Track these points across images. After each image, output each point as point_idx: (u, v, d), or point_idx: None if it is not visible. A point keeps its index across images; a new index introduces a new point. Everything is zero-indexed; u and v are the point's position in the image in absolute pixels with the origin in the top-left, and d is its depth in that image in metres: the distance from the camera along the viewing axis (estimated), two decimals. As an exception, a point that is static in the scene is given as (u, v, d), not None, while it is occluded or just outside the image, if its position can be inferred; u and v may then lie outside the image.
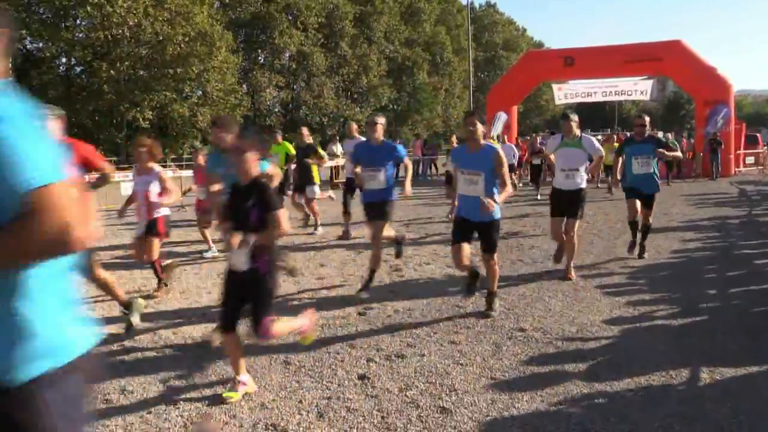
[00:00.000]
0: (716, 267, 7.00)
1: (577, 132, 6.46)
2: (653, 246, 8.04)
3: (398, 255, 6.75)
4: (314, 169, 10.25)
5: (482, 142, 4.94)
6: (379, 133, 6.03)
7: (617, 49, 23.02)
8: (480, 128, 4.90)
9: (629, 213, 7.32)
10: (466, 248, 5.05)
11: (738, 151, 23.44)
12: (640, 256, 7.38)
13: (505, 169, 4.91)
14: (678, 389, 3.63)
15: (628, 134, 16.19)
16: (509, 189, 4.93)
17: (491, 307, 5.23)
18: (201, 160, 8.39)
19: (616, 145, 15.98)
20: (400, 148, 6.22)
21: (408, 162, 6.19)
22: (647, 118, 7.00)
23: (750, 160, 25.17)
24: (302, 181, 10.26)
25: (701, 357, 4.11)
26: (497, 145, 5.31)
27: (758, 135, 27.76)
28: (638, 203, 7.22)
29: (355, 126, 10.14)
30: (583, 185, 6.46)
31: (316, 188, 10.28)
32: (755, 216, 11.42)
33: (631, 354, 4.19)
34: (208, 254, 8.31)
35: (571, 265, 6.56)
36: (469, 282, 5.30)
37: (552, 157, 6.80)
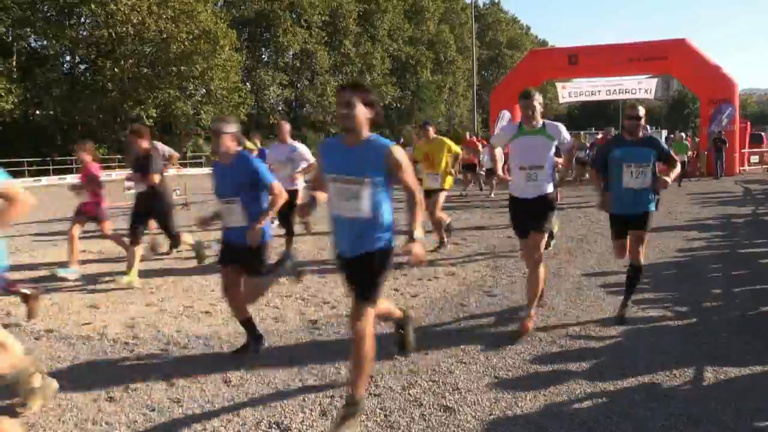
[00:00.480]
0: (721, 266, 6.97)
1: (540, 119, 4.76)
2: (657, 245, 8.02)
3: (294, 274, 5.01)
4: None
5: (366, 133, 3.17)
6: (228, 145, 4.13)
7: (622, 48, 22.98)
8: (362, 111, 3.11)
9: (615, 252, 5.29)
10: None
11: (742, 150, 23.39)
12: (621, 315, 5.00)
13: (409, 174, 3.19)
14: (682, 389, 3.61)
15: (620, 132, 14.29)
16: (420, 207, 3.22)
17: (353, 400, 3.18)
18: (85, 156, 6.97)
19: None
20: (261, 167, 4.21)
21: (278, 189, 4.24)
22: (641, 110, 4.96)
23: (755, 159, 25.15)
24: None
25: (706, 356, 4.09)
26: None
27: (763, 134, 27.76)
28: (625, 243, 5.11)
29: (287, 127, 7.79)
30: (550, 189, 4.75)
31: None
32: (760, 215, 11.38)
33: (635, 353, 4.18)
34: (67, 273, 6.61)
35: (533, 310, 4.77)
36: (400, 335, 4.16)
37: (497, 153, 5.26)
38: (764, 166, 24.84)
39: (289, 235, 7.55)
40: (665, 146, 5.05)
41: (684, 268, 6.87)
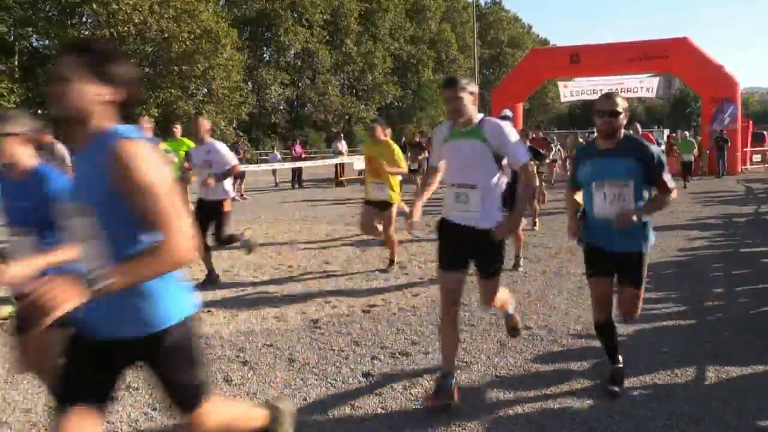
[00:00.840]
0: (722, 265, 6.96)
1: (475, 114, 3.41)
2: (659, 245, 8.00)
3: None
4: None
5: (101, 125, 1.87)
6: (12, 153, 2.79)
7: (623, 47, 22.94)
8: (86, 90, 1.84)
9: (594, 306, 3.60)
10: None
11: (745, 149, 23.35)
12: (612, 390, 3.51)
13: (157, 197, 1.77)
14: (684, 388, 3.61)
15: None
16: (162, 264, 1.76)
17: None
18: None
19: None
20: (54, 181, 2.76)
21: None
22: (621, 102, 3.38)
23: (757, 158, 25.08)
24: None
25: (707, 356, 4.08)
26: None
27: (765, 133, 27.66)
28: (608, 285, 3.52)
29: (205, 125, 6.53)
30: (494, 217, 3.38)
31: None
32: (762, 214, 11.36)
33: (636, 352, 4.17)
34: None
35: (510, 310, 4.00)
36: None
37: (428, 183, 3.71)
38: (766, 165, 24.78)
39: (206, 251, 6.37)
40: (656, 152, 3.37)
41: (685, 268, 6.87)
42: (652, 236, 3.47)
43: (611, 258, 3.46)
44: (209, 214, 6.30)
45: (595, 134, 3.63)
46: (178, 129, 9.77)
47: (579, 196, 3.69)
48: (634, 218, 3.26)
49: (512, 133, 3.38)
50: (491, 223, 3.34)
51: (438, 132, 3.65)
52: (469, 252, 3.44)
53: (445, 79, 3.42)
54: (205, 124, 6.55)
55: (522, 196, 3.46)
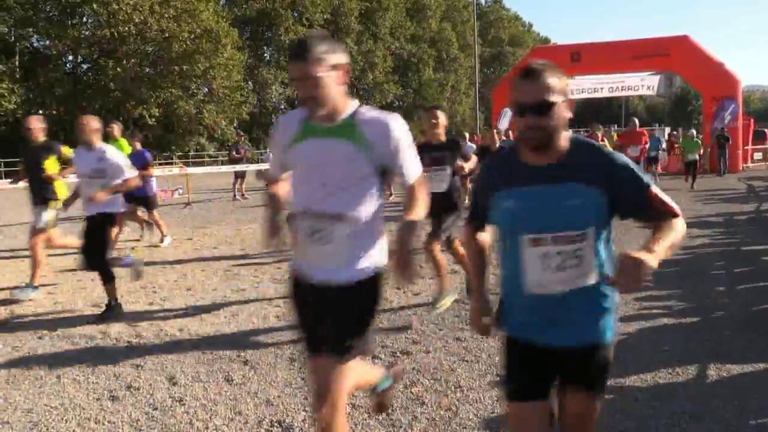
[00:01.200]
0: (724, 263, 6.96)
1: (344, 101, 2.15)
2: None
3: None
4: (58, 183, 6.20)
5: None
6: None
7: (624, 45, 22.93)
8: None
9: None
10: None
11: (746, 147, 23.36)
12: None
13: None
14: (685, 386, 3.61)
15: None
16: None
17: None
18: None
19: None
20: None
21: None
22: (555, 83, 1.75)
23: (758, 155, 25.08)
24: (35, 198, 6.18)
25: (708, 354, 4.08)
26: None
27: (766, 131, 27.66)
28: (540, 414, 1.93)
29: (93, 124, 5.27)
30: (371, 263, 2.22)
31: (46, 214, 6.10)
32: (763, 212, 11.35)
33: (637, 351, 4.17)
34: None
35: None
36: None
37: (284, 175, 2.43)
38: (767, 163, 24.78)
39: (109, 279, 5.26)
40: (626, 161, 1.88)
41: (686, 266, 6.86)
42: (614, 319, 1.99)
43: (549, 359, 1.95)
44: (95, 231, 5.20)
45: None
46: (115, 128, 8.64)
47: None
48: (651, 258, 1.72)
49: (405, 135, 2.19)
50: (361, 275, 2.20)
51: (282, 125, 2.31)
52: (323, 319, 2.24)
53: (292, 48, 2.10)
54: (93, 123, 5.24)
55: (405, 226, 2.14)
